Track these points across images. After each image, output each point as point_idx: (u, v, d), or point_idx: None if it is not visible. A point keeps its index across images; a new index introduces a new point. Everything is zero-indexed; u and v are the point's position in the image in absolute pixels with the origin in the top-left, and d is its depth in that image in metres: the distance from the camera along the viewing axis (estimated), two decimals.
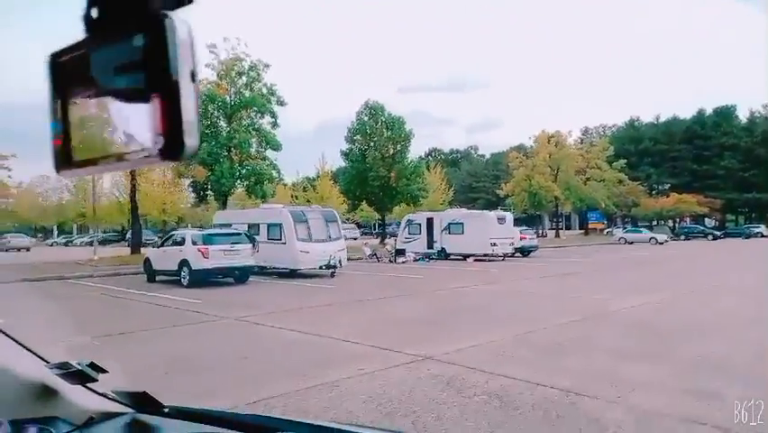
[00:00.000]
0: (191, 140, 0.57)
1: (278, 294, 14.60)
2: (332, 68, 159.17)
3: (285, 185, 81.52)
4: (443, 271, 22.04)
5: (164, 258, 16.99)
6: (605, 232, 67.85)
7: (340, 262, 18.67)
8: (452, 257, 28.08)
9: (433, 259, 28.10)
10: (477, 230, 26.82)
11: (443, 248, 28.39)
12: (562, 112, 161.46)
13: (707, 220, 72.75)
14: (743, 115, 75.57)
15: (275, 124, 31.50)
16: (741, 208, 76.70)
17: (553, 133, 55.00)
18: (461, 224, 27.71)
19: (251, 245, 16.58)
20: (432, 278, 18.43)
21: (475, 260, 26.83)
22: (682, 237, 56.89)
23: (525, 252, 30.50)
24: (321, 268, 18.62)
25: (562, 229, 62.46)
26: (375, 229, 66.85)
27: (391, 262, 26.66)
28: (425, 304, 12.32)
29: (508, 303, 12.08)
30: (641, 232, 50.27)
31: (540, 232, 62.04)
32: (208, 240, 15.91)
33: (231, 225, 20.62)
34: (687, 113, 79.32)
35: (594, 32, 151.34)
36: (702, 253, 33.39)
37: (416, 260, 27.31)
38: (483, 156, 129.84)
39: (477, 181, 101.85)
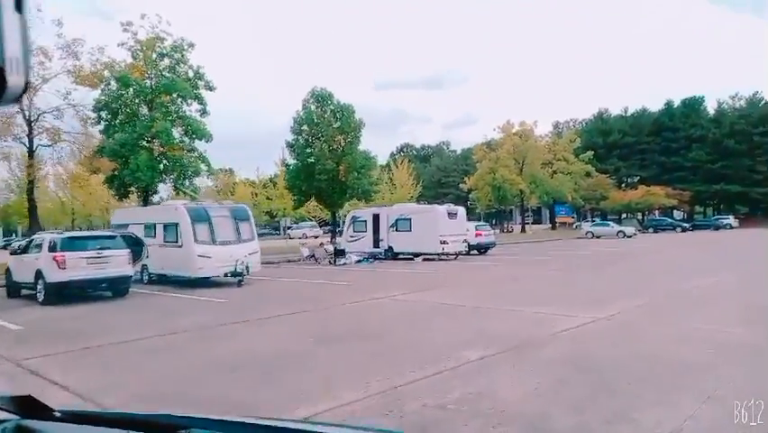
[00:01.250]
0: (15, 78, 0.47)
1: (146, 313, 11.54)
2: (307, 64, 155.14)
3: (247, 182, 78.55)
4: (379, 274, 19.24)
5: (22, 268, 13.77)
6: (574, 226, 66.12)
7: (247, 268, 15.65)
8: (400, 257, 25.35)
9: (379, 259, 25.31)
10: (426, 227, 24.09)
11: (390, 247, 25.61)
12: (537, 107, 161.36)
13: (675, 212, 71.73)
14: (711, 107, 74.78)
15: (204, 112, 28.31)
16: (709, 200, 75.95)
17: (519, 124, 52.78)
18: (409, 220, 24.94)
19: (127, 251, 13.45)
20: (359, 284, 15.60)
21: (424, 259, 24.14)
22: (651, 230, 55.37)
23: (481, 249, 27.95)
24: (226, 276, 15.64)
25: (529, 224, 60.52)
26: (341, 227, 63.98)
27: (330, 263, 23.78)
28: (317, 325, 9.45)
29: (419, 323, 9.29)
30: (609, 225, 48.33)
31: (507, 227, 59.98)
32: (67, 245, 12.71)
33: (128, 225, 17.51)
34: (656, 105, 78.36)
35: (568, 29, 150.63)
36: (671, 246, 31.27)
37: (358, 261, 24.45)
38: (455, 151, 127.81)
39: (446, 176, 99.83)
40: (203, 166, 27.70)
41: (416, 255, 24.61)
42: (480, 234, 27.73)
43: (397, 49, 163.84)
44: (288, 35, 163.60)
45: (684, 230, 54.00)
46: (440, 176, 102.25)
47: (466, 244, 25.60)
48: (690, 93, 76.09)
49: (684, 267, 18.89)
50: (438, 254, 24.15)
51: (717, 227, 57.46)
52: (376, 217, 26.26)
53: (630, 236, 43.89)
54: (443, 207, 25.52)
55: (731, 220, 59.82)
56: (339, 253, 23.90)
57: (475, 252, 27.76)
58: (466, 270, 19.67)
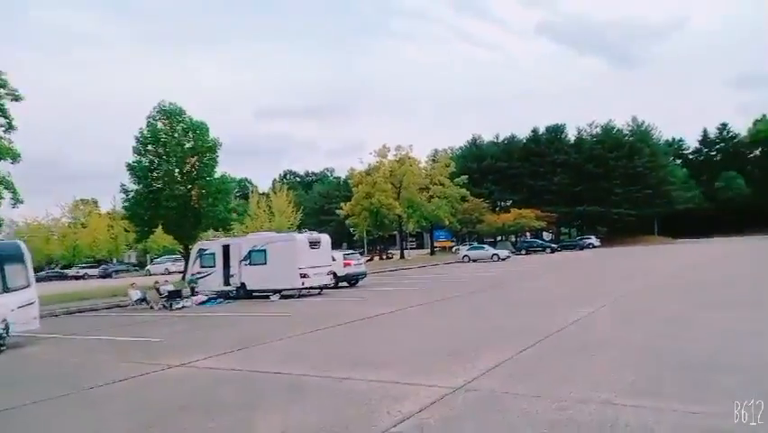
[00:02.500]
0: None
1: None
2: (181, 89, 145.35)
3: (108, 214, 69.52)
4: (211, 322, 15.69)
5: None
6: (453, 250, 66.46)
7: (7, 328, 11.35)
8: (255, 295, 21.82)
9: (230, 299, 21.60)
10: (283, 259, 20.85)
11: (242, 284, 21.96)
12: (418, 137, 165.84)
13: (544, 234, 75.33)
14: (571, 134, 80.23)
15: (10, 127, 23.00)
16: (573, 221, 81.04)
17: (395, 149, 51.71)
18: (264, 251, 21.53)
19: None
20: (171, 341, 12.00)
21: (282, 297, 20.87)
22: (523, 252, 56.83)
23: (351, 280, 25.26)
24: None
25: (409, 249, 59.53)
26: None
27: (165, 308, 19.62)
28: None
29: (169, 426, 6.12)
30: (483, 249, 48.39)
31: (386, 254, 58.40)
32: None
33: None
34: (524, 132, 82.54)
35: (443, 62, 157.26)
36: (543, 269, 30.95)
37: (202, 303, 20.54)
38: (339, 178, 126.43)
39: (329, 203, 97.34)
40: (4, 190, 22.22)
41: (274, 292, 21.27)
42: (350, 264, 25.02)
43: (277, 76, 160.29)
44: (162, 58, 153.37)
45: (553, 251, 56.03)
46: (322, 202, 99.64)
47: (332, 276, 22.74)
48: (553, 121, 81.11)
49: (559, 295, 17.57)
50: (298, 290, 21.02)
51: (582, 247, 60.64)
52: (226, 249, 22.50)
53: (504, 259, 44.03)
54: (304, 234, 22.46)
55: (593, 240, 63.62)
56: (173, 294, 19.80)
57: (345, 283, 25.05)
58: (323, 310, 16.72)
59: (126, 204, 29.82)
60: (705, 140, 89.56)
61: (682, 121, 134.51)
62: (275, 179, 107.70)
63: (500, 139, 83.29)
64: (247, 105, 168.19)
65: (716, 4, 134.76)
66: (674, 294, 15.14)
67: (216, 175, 30.52)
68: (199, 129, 29.98)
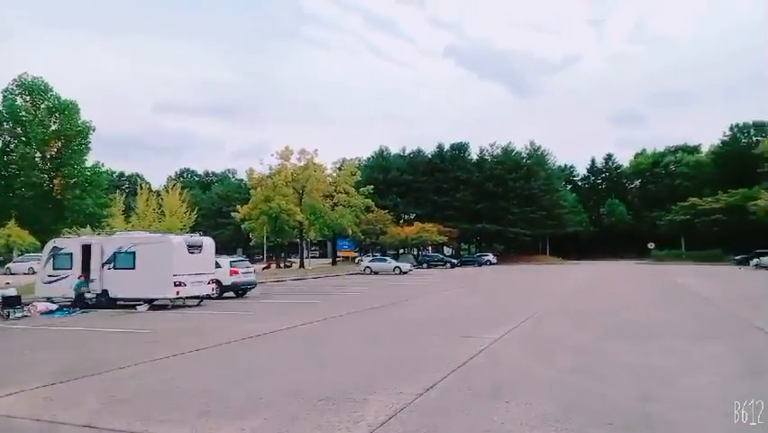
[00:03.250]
0: None
1: None
2: (70, 74, 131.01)
3: None
4: (37, 338, 12.73)
5: None
6: (356, 260, 65.05)
7: None
8: (120, 303, 18.65)
9: (89, 308, 18.26)
10: (155, 263, 17.95)
11: (104, 290, 18.69)
12: (326, 144, 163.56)
13: (445, 248, 76.29)
14: (474, 153, 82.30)
15: None
16: (473, 238, 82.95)
17: (299, 152, 49.29)
18: (133, 254, 18.46)
19: None
20: None
21: (151, 307, 17.95)
22: (425, 265, 56.71)
23: (238, 291, 22.71)
24: None
25: (308, 258, 57.13)
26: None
27: (2, 317, 16.00)
28: None
29: None
30: (386, 261, 47.40)
31: (284, 262, 55.64)
32: None
33: None
34: (429, 147, 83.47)
35: (353, 70, 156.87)
36: (444, 284, 30.20)
37: (50, 312, 17.08)
38: (241, 180, 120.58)
39: (227, 205, 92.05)
40: None
41: (144, 301, 18.27)
42: (237, 273, 22.46)
43: (186, 73, 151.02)
44: (48, 40, 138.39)
45: (453, 266, 56.43)
46: (221, 204, 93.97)
47: (215, 285, 20.10)
48: (457, 138, 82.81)
49: (463, 315, 16.47)
50: (172, 300, 18.21)
51: (481, 263, 61.80)
52: (86, 249, 19.07)
53: (406, 272, 43.22)
54: (181, 236, 19.65)
55: (491, 257, 65.19)
56: (11, 301, 16.21)
57: (232, 294, 22.45)
58: (194, 326, 14.23)
59: None
60: (593, 168, 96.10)
61: (570, 150, 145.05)
62: (170, 177, 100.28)
63: (407, 152, 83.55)
64: (147, 100, 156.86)
65: (605, 46, 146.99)
66: (577, 320, 14.50)
67: (87, 164, 26.65)
68: (67, 109, 25.99)
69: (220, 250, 23.47)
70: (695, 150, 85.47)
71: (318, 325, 13.79)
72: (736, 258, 49.58)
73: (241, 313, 16.98)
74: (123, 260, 18.48)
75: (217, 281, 20.67)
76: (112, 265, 18.65)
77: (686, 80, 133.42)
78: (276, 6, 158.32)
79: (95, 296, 18.86)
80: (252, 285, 23.49)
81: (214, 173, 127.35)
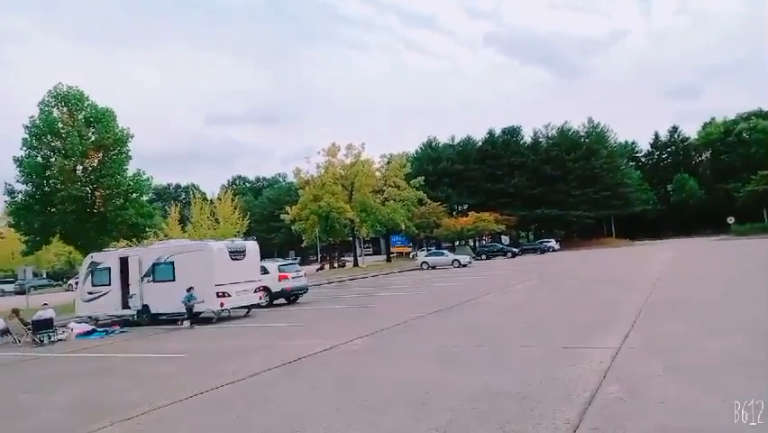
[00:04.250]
0: None
1: None
2: (127, 95, 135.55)
3: None
4: (60, 368, 11.14)
5: None
6: (411, 255, 62.73)
7: None
8: (162, 319, 17.17)
9: (130, 325, 16.89)
10: (195, 273, 16.31)
11: (145, 306, 17.26)
12: (372, 142, 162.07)
13: (503, 237, 72.75)
14: (528, 136, 78.16)
15: None
16: (531, 224, 78.95)
17: (346, 147, 47.37)
18: (171, 264, 16.91)
19: None
20: None
21: (196, 321, 16.30)
22: (483, 256, 53.77)
23: (288, 297, 20.91)
24: None
25: (362, 256, 55.39)
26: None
27: (36, 343, 14.74)
28: None
29: None
30: (443, 254, 44.75)
31: (338, 261, 54.11)
32: None
33: None
34: (479, 134, 79.93)
35: (396, 66, 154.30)
36: (515, 277, 27.18)
37: (86, 333, 15.73)
38: (291, 183, 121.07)
39: (279, 209, 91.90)
40: None
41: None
42: (286, 277, 20.65)
43: (226, 84, 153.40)
44: (109, 65, 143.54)
45: (514, 255, 53.16)
46: (272, 208, 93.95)
47: (263, 293, 18.32)
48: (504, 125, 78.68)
49: (553, 316, 13.89)
50: (216, 313, 16.53)
51: (543, 251, 58.18)
52: (124, 263, 17.73)
53: (465, 265, 40.55)
54: (222, 242, 17.93)
55: (553, 243, 61.39)
56: (39, 326, 14.87)
57: (283, 300, 20.71)
58: (235, 346, 12.35)
59: (11, 208, 24.34)
60: (656, 143, 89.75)
61: (627, 128, 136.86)
62: (222, 185, 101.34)
63: (456, 141, 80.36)
64: (198, 112, 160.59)
65: (651, 21, 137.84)
66: (700, 317, 11.61)
67: (129, 173, 25.60)
68: (104, 118, 24.98)
69: (273, 254, 21.83)
70: None
71: (375, 339, 11.49)
72: None
73: (289, 325, 15.01)
74: (161, 272, 16.97)
75: (266, 288, 18.96)
76: (151, 278, 17.20)
77: (738, 51, 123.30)
78: (311, 8, 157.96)
79: (135, 313, 17.48)
80: (304, 290, 21.64)
81: (264, 178, 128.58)
